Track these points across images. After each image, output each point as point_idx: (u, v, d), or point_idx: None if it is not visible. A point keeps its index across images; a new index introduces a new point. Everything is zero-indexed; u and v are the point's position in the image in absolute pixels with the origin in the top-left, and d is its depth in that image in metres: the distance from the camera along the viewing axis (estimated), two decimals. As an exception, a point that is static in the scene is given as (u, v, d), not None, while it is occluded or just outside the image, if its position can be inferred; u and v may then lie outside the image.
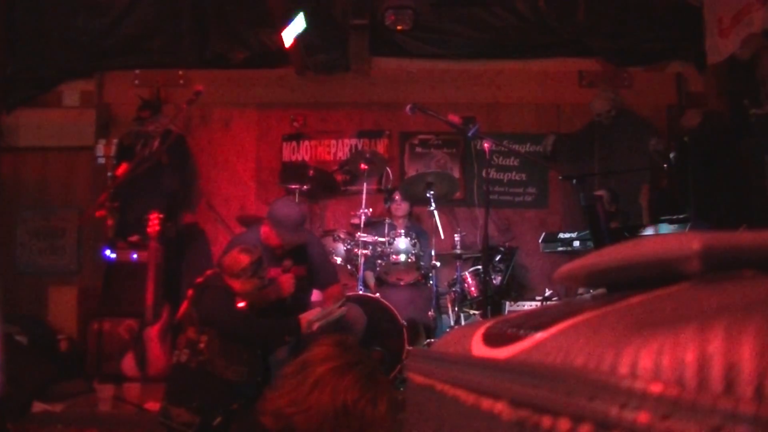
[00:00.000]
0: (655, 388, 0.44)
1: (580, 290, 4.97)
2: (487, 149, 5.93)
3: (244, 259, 5.06)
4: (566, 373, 0.54)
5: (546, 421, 0.54)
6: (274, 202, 6.30)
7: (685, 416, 0.41)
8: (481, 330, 0.92)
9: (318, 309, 5.40)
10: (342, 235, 7.17)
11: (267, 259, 5.42)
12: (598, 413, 0.47)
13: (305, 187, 7.80)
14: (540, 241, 7.20)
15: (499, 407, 0.63)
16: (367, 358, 2.63)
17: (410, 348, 6.26)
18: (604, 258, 0.79)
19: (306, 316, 5.15)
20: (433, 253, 7.12)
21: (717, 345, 0.43)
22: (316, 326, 5.11)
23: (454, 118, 6.25)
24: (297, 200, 7.40)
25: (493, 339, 0.84)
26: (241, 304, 5.03)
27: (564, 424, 0.51)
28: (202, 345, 4.82)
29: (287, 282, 5.55)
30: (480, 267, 7.08)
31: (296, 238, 5.73)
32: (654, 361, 0.46)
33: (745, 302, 0.50)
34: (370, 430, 2.47)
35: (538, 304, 6.97)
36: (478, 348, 0.86)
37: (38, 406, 5.93)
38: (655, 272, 0.68)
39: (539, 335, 0.69)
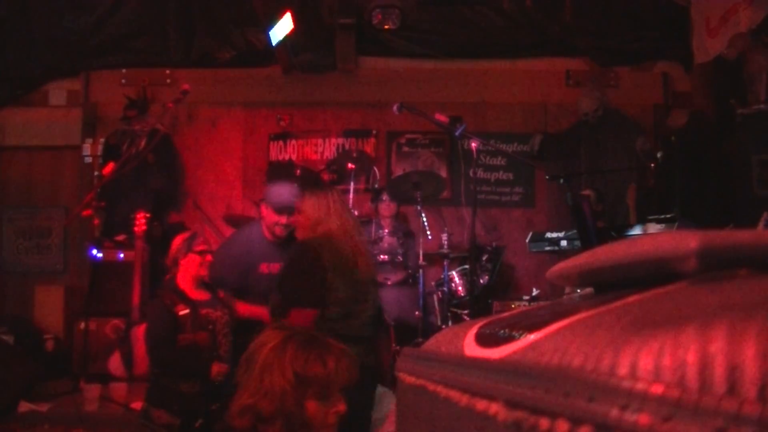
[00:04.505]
0: (657, 390, 0.43)
1: (567, 290, 4.96)
2: (474, 149, 5.94)
3: (178, 240, 5.14)
4: (563, 374, 0.53)
5: (543, 422, 0.53)
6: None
7: (687, 418, 0.41)
8: (474, 330, 0.91)
9: None
10: (329, 235, 7.16)
11: (267, 254, 5.48)
12: (597, 415, 0.47)
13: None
14: (527, 240, 7.20)
15: (495, 408, 0.63)
16: (301, 328, 2.82)
17: (397, 347, 6.26)
18: (598, 257, 0.78)
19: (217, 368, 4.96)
20: (420, 252, 7.12)
21: (719, 345, 0.42)
22: None
23: (442, 118, 6.25)
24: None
25: (486, 339, 0.83)
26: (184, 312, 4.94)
27: (562, 425, 0.51)
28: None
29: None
30: (467, 266, 7.09)
31: (289, 199, 5.75)
32: (654, 361, 0.45)
33: (745, 302, 0.49)
34: (332, 386, 2.58)
35: (526, 303, 6.97)
36: (471, 348, 0.85)
37: (24, 406, 5.92)
38: (650, 271, 0.67)
39: (534, 335, 0.68)
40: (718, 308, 0.48)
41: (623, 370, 0.47)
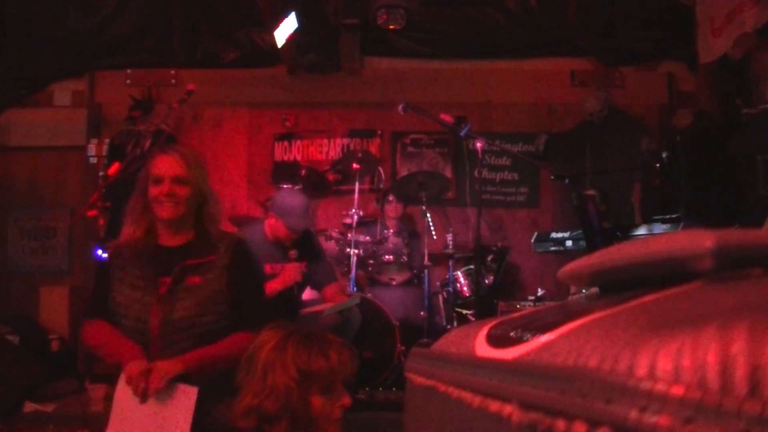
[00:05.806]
0: (677, 391, 0.43)
1: (572, 290, 4.95)
2: (479, 149, 5.92)
3: None
4: (580, 375, 0.52)
5: (560, 424, 0.53)
6: (276, 194, 6.36)
7: (708, 420, 0.40)
8: (484, 330, 0.90)
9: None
10: (334, 235, 7.16)
11: (269, 255, 5.45)
12: (616, 417, 0.46)
13: (297, 186, 7.78)
14: (532, 240, 7.19)
15: (509, 410, 0.62)
16: (298, 326, 2.78)
17: (402, 347, 6.25)
18: (611, 257, 0.78)
19: None
20: (425, 252, 7.10)
21: (740, 345, 0.42)
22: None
23: (447, 118, 6.24)
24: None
25: (497, 339, 0.83)
26: None
27: (579, 427, 0.50)
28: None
29: (293, 270, 5.48)
30: (472, 267, 7.08)
31: (303, 224, 5.72)
32: (673, 362, 0.45)
33: (764, 302, 0.49)
34: (336, 379, 2.61)
35: (531, 304, 6.96)
36: (483, 348, 0.85)
37: (29, 406, 5.91)
38: (664, 271, 0.67)
39: (547, 336, 0.68)
40: (736, 308, 0.48)
41: (642, 370, 0.47)
